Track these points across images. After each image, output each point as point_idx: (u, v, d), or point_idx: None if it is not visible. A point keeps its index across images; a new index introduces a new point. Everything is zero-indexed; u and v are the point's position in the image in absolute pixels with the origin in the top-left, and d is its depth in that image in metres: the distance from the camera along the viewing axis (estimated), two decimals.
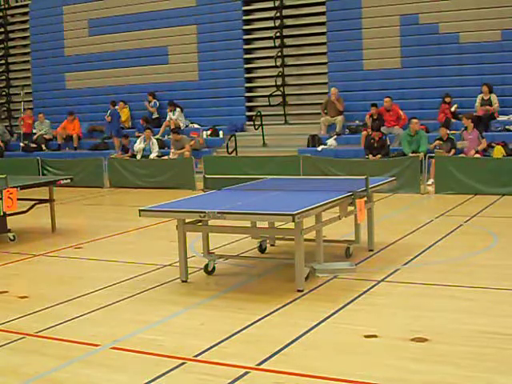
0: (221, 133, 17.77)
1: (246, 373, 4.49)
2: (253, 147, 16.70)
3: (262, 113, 17.57)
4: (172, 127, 17.35)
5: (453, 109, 15.37)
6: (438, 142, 13.88)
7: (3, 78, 22.83)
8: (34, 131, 19.92)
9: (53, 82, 21.38)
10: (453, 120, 15.18)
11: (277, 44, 18.18)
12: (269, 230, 8.04)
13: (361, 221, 7.49)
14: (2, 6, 22.68)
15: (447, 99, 15.42)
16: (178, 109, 18.34)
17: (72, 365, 4.78)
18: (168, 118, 18.31)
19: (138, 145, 16.54)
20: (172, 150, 16.27)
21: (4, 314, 6.03)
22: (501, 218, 10.22)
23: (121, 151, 17.28)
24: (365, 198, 7.28)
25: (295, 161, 14.18)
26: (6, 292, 6.87)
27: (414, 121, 14.15)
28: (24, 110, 21.35)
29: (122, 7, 20.22)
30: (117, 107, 18.97)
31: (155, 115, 19.02)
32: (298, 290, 6.33)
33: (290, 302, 6.04)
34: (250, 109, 18.71)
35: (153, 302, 6.30)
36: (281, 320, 5.60)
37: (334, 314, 5.67)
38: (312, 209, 6.32)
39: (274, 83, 18.08)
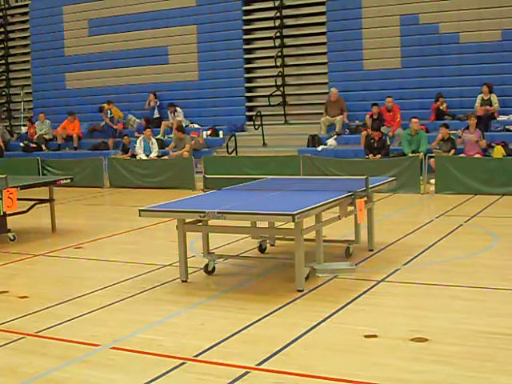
0: (221, 133, 17.76)
1: (246, 373, 4.49)
2: (253, 147, 16.70)
3: (262, 113, 17.56)
4: (175, 126, 17.36)
5: (442, 107, 15.45)
6: (439, 140, 13.90)
7: (3, 77, 22.83)
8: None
9: (53, 82, 21.37)
10: (448, 118, 15.26)
11: (277, 44, 18.17)
12: (269, 230, 8.04)
13: (361, 221, 7.49)
14: (2, 6, 22.67)
15: (441, 99, 15.52)
16: (179, 109, 18.35)
17: (72, 365, 4.78)
18: (170, 119, 18.30)
19: (139, 146, 16.50)
20: (172, 149, 16.26)
21: (4, 314, 6.03)
22: (501, 217, 10.22)
23: (121, 151, 17.28)
24: (365, 198, 7.29)
25: (295, 161, 14.17)
26: (6, 292, 6.87)
27: (414, 120, 14.14)
28: (24, 118, 21.38)
29: (121, 7, 20.22)
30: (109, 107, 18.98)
31: (156, 115, 19.01)
32: (298, 290, 6.33)
33: (290, 302, 6.04)
34: (250, 109, 18.70)
35: (153, 302, 6.30)
36: (281, 320, 5.60)
37: (334, 314, 5.67)
38: (312, 209, 6.32)
39: (274, 83, 18.06)
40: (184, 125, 18.14)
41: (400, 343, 4.94)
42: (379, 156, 14.18)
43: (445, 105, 15.58)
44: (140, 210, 6.74)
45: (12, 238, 9.48)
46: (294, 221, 5.95)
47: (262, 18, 18.66)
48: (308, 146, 16.12)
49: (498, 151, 13.55)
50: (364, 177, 7.50)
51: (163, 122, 18.44)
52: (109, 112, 18.83)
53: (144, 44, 19.84)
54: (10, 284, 7.28)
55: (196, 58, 19.31)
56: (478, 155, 13.38)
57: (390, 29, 16.87)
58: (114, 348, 5.07)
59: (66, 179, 10.37)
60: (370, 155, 14.30)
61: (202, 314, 5.89)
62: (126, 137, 17.42)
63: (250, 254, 8.13)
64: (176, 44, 19.48)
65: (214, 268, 7.25)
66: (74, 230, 10.54)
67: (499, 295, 6.13)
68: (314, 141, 16.17)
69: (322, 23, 17.77)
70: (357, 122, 16.53)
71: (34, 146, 19.24)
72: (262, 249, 8.21)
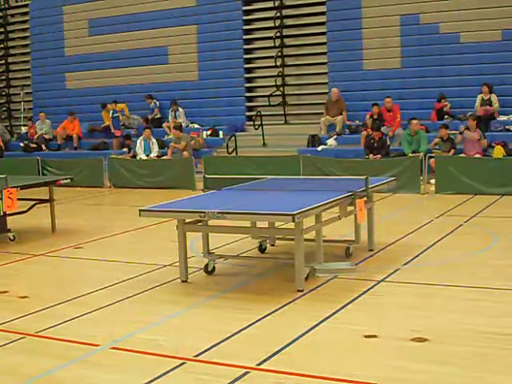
0: (221, 133, 17.77)
1: (246, 373, 4.49)
2: (253, 147, 16.69)
3: (262, 113, 17.56)
4: (173, 125, 17.36)
5: (445, 109, 15.50)
6: (437, 139, 13.89)
7: (3, 77, 22.83)
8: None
9: (53, 82, 21.38)
10: (448, 119, 15.27)
11: (277, 44, 18.17)
12: (269, 230, 8.04)
13: (361, 221, 7.49)
14: (2, 6, 22.67)
15: (443, 100, 15.55)
16: (180, 109, 18.36)
17: (72, 365, 4.77)
18: (170, 119, 18.29)
19: (139, 146, 16.50)
20: (172, 145, 16.21)
21: (4, 314, 6.03)
22: (501, 217, 10.22)
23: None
24: (365, 198, 7.28)
25: (295, 161, 14.16)
26: (6, 292, 6.86)
27: (414, 122, 14.14)
28: (24, 118, 21.38)
29: (122, 7, 20.22)
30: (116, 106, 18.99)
31: (157, 115, 19.01)
32: (298, 290, 6.32)
33: (290, 302, 6.04)
34: (250, 109, 18.71)
35: (153, 302, 6.30)
36: (281, 320, 5.60)
37: (334, 314, 5.67)
38: (312, 209, 6.32)
39: (274, 83, 18.07)
40: (184, 125, 18.19)
41: (400, 343, 4.94)
42: (379, 156, 14.18)
43: (448, 106, 15.58)
44: (140, 210, 6.74)
45: (12, 237, 9.48)
46: (293, 221, 5.95)
47: (261, 18, 18.67)
48: (308, 146, 16.13)
49: (498, 151, 13.55)
50: (364, 177, 7.50)
51: (164, 124, 18.41)
52: (111, 112, 18.83)
53: (144, 44, 19.84)
54: (10, 284, 7.27)
55: (196, 58, 19.32)
56: (478, 155, 13.38)
57: (390, 29, 16.87)
58: (113, 348, 5.06)
59: (66, 179, 10.37)
60: (370, 155, 14.30)
61: (201, 313, 5.89)
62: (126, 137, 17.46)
63: (250, 253, 8.13)
64: (176, 44, 19.48)
65: (214, 268, 7.24)
66: (73, 230, 10.54)
67: (499, 295, 6.13)
68: (314, 141, 16.17)
69: (322, 23, 17.77)
70: (357, 122, 16.53)
71: (34, 145, 19.24)
72: (262, 249, 8.20)
